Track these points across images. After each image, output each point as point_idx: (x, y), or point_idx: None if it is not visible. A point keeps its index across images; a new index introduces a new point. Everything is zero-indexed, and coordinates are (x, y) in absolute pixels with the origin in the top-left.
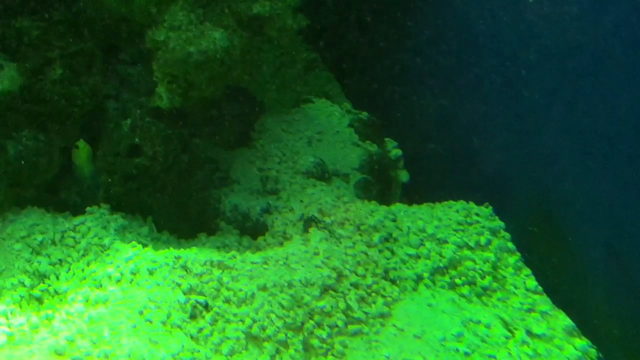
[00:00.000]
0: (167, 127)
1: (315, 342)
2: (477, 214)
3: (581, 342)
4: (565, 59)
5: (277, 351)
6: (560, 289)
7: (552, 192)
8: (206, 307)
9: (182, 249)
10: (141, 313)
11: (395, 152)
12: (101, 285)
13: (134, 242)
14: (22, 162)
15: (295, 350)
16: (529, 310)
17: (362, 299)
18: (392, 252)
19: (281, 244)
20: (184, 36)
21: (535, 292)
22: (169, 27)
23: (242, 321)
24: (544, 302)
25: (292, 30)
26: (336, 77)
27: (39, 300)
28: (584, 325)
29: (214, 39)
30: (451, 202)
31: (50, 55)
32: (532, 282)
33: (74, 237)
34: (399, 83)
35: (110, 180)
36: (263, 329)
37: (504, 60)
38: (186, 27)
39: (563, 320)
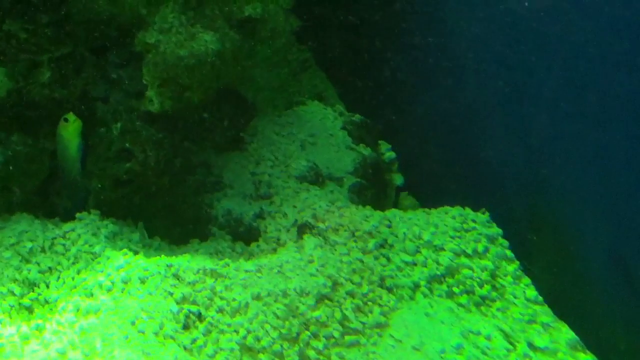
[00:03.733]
0: (158, 131)
1: (311, 353)
2: (473, 221)
3: (586, 357)
4: (568, 62)
5: None
6: (561, 300)
7: (552, 198)
8: (199, 316)
9: (174, 257)
10: (133, 323)
11: (389, 155)
12: (92, 295)
13: (125, 250)
14: (11, 168)
15: None
16: (530, 322)
17: (358, 309)
18: (388, 259)
19: (275, 250)
20: (175, 39)
21: (535, 302)
22: (159, 29)
23: (237, 332)
24: (545, 313)
25: (284, 32)
26: (329, 78)
27: (29, 309)
28: (588, 338)
29: (205, 41)
30: (447, 207)
31: (39, 58)
32: (532, 292)
33: (64, 245)
34: (394, 85)
35: (100, 185)
36: (258, 339)
37: (503, 62)
38: (177, 29)
39: (566, 333)
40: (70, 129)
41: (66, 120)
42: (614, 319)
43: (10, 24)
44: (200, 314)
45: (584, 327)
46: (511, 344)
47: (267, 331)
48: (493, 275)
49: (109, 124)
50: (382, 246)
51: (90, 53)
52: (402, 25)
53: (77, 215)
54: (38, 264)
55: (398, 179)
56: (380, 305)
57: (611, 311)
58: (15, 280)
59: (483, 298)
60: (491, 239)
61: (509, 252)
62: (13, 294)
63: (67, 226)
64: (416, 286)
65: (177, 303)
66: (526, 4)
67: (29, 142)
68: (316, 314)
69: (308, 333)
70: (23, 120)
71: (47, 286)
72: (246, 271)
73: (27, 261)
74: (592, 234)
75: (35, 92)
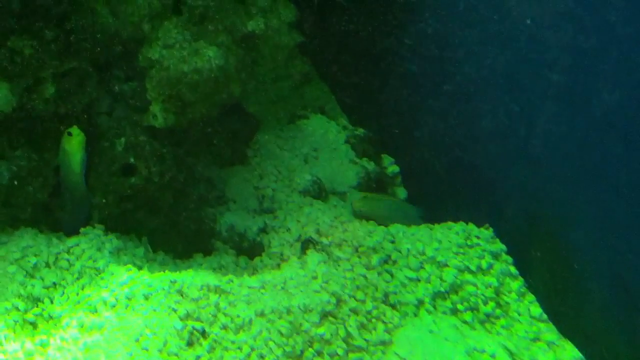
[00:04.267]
0: (162, 146)
1: None
2: (477, 237)
3: None
4: (568, 79)
5: None
6: (565, 317)
7: (557, 216)
8: (203, 333)
9: (177, 272)
10: (137, 340)
11: (392, 169)
12: (96, 311)
13: (129, 265)
14: (16, 183)
15: None
16: (535, 340)
17: (362, 326)
18: (392, 275)
19: (278, 265)
20: (178, 54)
21: (540, 319)
22: (163, 45)
23: (240, 349)
24: (549, 331)
25: (287, 46)
26: (332, 91)
27: (33, 325)
28: (592, 356)
29: (208, 57)
30: (450, 223)
31: (43, 74)
32: (536, 309)
33: (68, 260)
34: (396, 98)
35: (104, 200)
36: (262, 357)
37: (503, 73)
38: (180, 45)
39: (571, 351)
40: (74, 143)
41: (70, 134)
42: (619, 337)
43: (15, 40)
44: (204, 330)
45: (588, 345)
46: None
47: (271, 348)
48: (497, 292)
49: (113, 138)
50: (385, 262)
51: (95, 68)
52: (405, 37)
53: (81, 229)
54: (42, 279)
55: (401, 193)
56: (384, 322)
57: (615, 329)
58: (19, 296)
59: (487, 315)
60: (495, 255)
61: (513, 269)
62: (17, 309)
63: (71, 241)
64: (420, 303)
65: (181, 320)
66: (528, 21)
67: (33, 157)
68: (320, 331)
69: (312, 350)
70: (27, 136)
71: (52, 302)
72: (250, 287)
73: (32, 276)
74: (596, 251)
75: (39, 107)
